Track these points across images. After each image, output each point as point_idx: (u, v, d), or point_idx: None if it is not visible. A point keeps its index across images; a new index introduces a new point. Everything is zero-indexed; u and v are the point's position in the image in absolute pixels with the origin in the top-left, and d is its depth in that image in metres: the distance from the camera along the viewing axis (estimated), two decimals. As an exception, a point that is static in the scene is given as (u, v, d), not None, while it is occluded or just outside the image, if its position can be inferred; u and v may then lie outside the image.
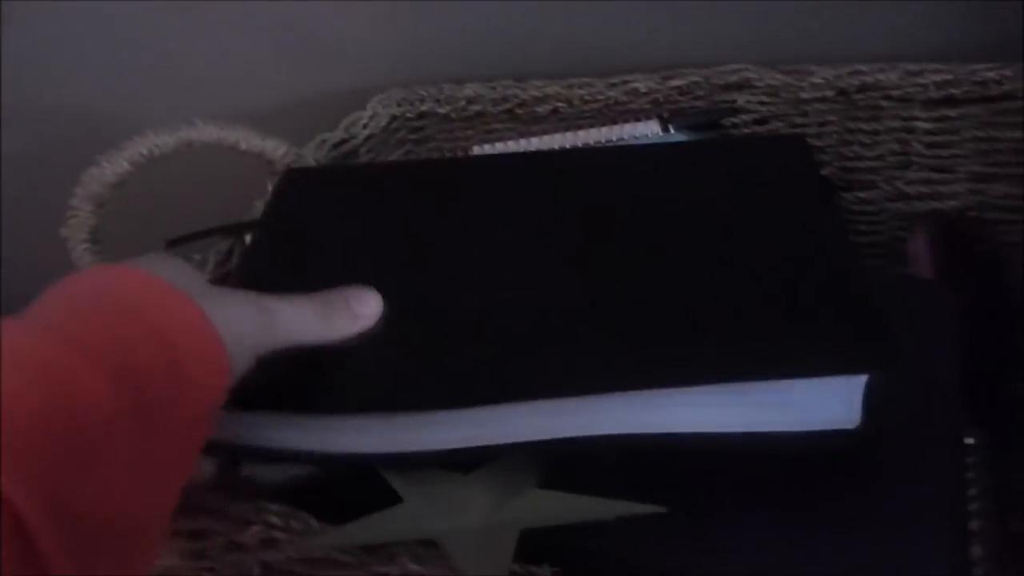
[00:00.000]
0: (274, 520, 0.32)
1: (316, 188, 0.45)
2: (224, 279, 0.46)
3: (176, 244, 0.47)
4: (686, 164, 0.43)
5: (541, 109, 0.55)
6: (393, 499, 0.31)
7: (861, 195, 0.52)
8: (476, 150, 0.54)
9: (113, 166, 0.48)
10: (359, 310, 0.33)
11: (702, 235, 0.37)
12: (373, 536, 0.30)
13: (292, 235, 0.41)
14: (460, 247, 0.39)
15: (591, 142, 0.52)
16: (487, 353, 0.33)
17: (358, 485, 0.33)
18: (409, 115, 0.58)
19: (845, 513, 0.32)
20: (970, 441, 0.38)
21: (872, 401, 0.31)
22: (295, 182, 0.45)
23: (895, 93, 0.48)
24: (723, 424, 0.31)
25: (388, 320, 0.33)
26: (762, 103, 0.51)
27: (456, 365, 0.33)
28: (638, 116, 0.53)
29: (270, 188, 0.49)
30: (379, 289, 0.34)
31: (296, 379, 0.33)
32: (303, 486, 0.34)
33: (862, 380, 0.31)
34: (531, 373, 0.32)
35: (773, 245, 0.36)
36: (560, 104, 0.55)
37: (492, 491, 0.31)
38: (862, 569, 0.31)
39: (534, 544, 0.28)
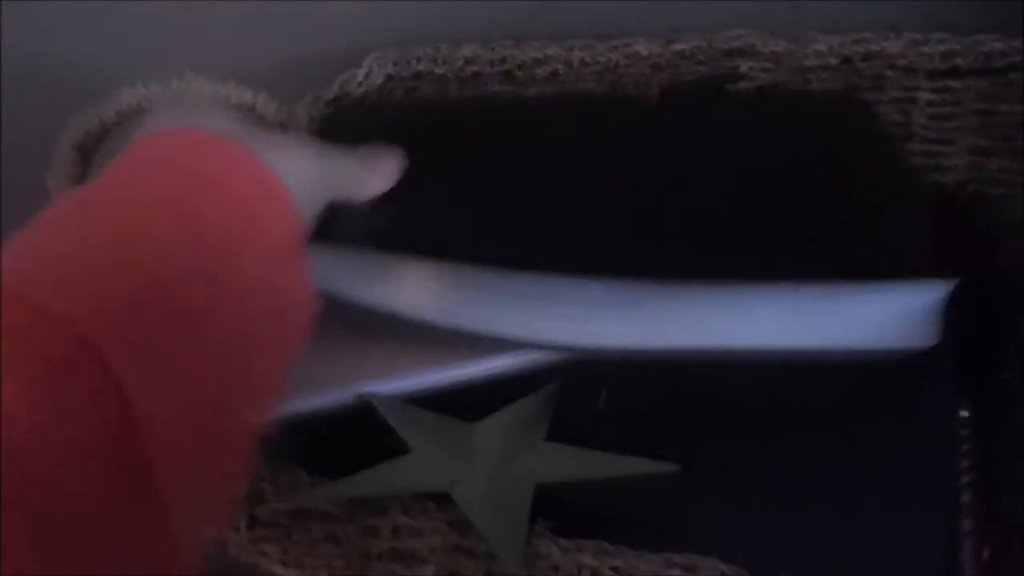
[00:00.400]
0: (262, 473, 0.31)
1: (360, 121, 0.43)
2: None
3: None
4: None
5: (540, 71, 0.54)
6: (399, 451, 0.31)
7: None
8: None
9: (100, 114, 0.47)
10: (389, 167, 0.35)
11: (778, 167, 0.37)
12: (380, 488, 0.29)
13: None
14: (531, 175, 0.38)
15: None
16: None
17: (361, 437, 0.32)
18: (404, 75, 0.57)
19: (844, 485, 0.32)
20: (964, 414, 0.38)
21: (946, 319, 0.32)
22: (336, 118, 0.43)
23: (900, 63, 0.47)
24: (802, 337, 0.31)
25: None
26: (764, 70, 0.50)
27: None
28: (637, 81, 0.52)
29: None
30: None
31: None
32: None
33: (942, 289, 0.31)
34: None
35: (848, 174, 0.36)
36: (559, 66, 0.54)
37: (501, 442, 0.30)
38: (859, 541, 0.31)
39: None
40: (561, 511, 0.27)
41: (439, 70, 0.57)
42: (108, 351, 0.20)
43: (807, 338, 0.31)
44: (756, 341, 0.31)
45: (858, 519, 0.31)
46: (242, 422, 0.24)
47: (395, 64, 0.57)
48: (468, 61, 0.56)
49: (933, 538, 0.32)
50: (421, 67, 0.57)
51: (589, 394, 0.31)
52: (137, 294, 0.22)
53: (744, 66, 0.50)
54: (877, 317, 0.32)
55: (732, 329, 0.31)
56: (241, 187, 0.27)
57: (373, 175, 0.34)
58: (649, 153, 0.38)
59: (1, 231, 0.25)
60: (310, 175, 0.30)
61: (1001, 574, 0.34)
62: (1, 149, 0.63)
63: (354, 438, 0.31)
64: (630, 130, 0.40)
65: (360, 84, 0.56)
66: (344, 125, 0.43)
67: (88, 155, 0.46)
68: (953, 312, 0.33)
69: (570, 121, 0.41)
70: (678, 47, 0.51)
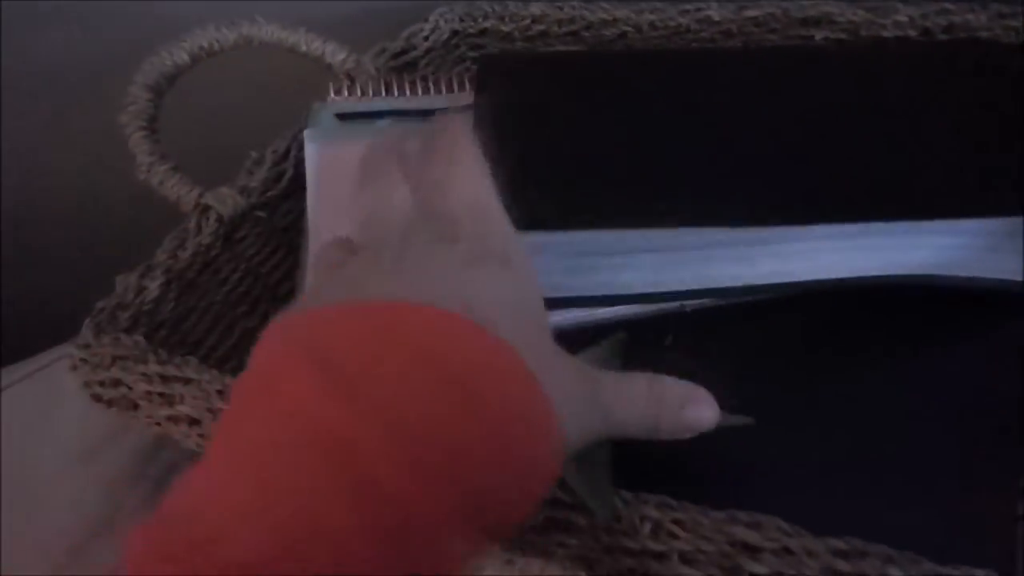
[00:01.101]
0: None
1: (517, 75, 0.43)
2: (279, 178, 0.46)
3: (347, 118, 0.46)
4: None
5: (608, 33, 0.53)
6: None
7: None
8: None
9: (173, 56, 0.47)
10: (691, 419, 0.26)
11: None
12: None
13: (506, 121, 0.39)
14: (672, 128, 0.37)
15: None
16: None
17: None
18: (471, 31, 0.57)
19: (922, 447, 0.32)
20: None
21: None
22: (495, 69, 0.44)
23: (983, 35, 0.46)
24: (908, 266, 0.33)
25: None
26: (840, 42, 0.49)
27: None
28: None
29: (332, 92, 0.48)
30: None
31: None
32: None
33: None
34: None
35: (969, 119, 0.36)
36: (628, 29, 0.53)
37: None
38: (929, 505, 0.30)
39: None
40: (624, 463, 0.27)
41: (505, 28, 0.56)
42: None
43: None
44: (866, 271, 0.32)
45: (933, 485, 0.30)
46: None
47: (461, 20, 0.57)
48: (535, 20, 0.55)
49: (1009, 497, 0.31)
50: (487, 24, 0.57)
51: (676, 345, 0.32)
52: None
53: (819, 35, 0.49)
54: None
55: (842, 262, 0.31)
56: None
57: (662, 421, 0.26)
58: (770, 102, 0.38)
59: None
60: (587, 420, 0.24)
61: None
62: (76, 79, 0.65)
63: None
64: (743, 80, 0.39)
65: (426, 38, 0.56)
66: (492, 77, 0.43)
67: (160, 96, 0.47)
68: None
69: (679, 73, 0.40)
70: (751, 13, 0.50)
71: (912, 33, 0.47)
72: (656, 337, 0.35)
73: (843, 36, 0.49)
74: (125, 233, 0.49)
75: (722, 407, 0.27)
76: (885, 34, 0.48)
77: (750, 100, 0.37)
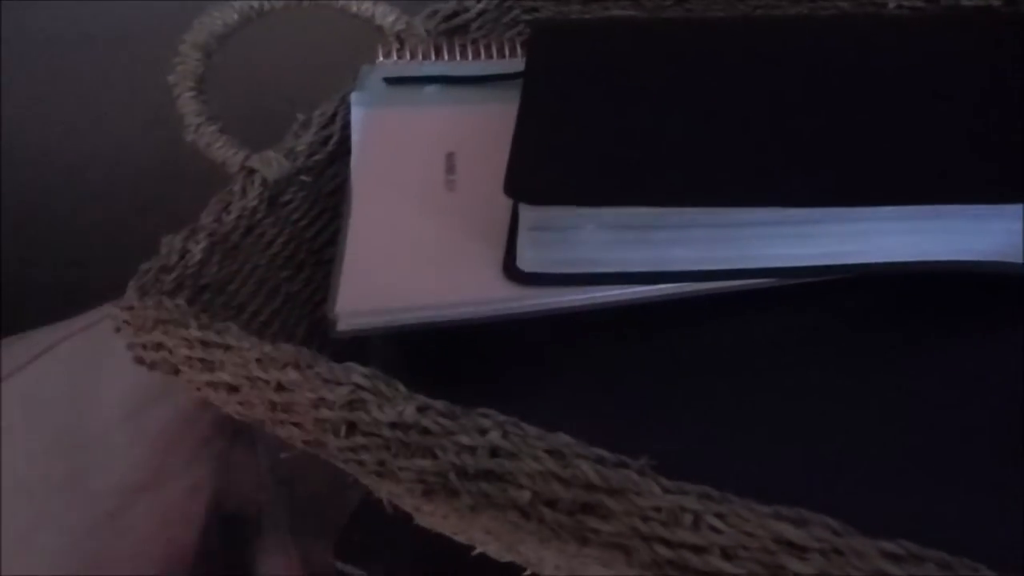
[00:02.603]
0: (362, 381, 0.31)
1: (571, 43, 0.42)
2: (325, 142, 0.45)
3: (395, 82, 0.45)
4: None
5: (667, -2, 0.51)
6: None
7: None
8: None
9: (223, 16, 0.47)
10: None
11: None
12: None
13: (560, 91, 0.39)
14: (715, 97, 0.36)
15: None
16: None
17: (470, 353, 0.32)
18: (525, -7, 0.56)
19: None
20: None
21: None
22: (546, 36, 0.43)
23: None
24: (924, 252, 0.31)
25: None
26: (915, 8, 0.46)
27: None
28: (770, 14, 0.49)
29: (380, 55, 0.47)
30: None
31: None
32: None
33: None
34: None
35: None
36: (687, -7, 0.51)
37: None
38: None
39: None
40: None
41: (561, -10, 0.55)
42: None
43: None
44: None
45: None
46: None
47: (516, -18, 0.55)
48: (592, -17, 0.54)
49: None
50: (542, -13, 0.55)
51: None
52: None
53: (892, 3, 0.47)
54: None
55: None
56: None
57: None
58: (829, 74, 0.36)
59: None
60: None
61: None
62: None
63: (457, 355, 0.31)
64: (807, 52, 0.37)
65: (479, 0, 0.54)
66: (544, 45, 0.41)
67: (209, 56, 0.46)
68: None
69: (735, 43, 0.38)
70: (819, -22, 0.48)
71: (995, 2, 0.44)
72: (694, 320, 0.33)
73: (919, 4, 0.46)
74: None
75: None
76: (965, 1, 0.45)
77: (814, 74, 0.35)
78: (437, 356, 0.37)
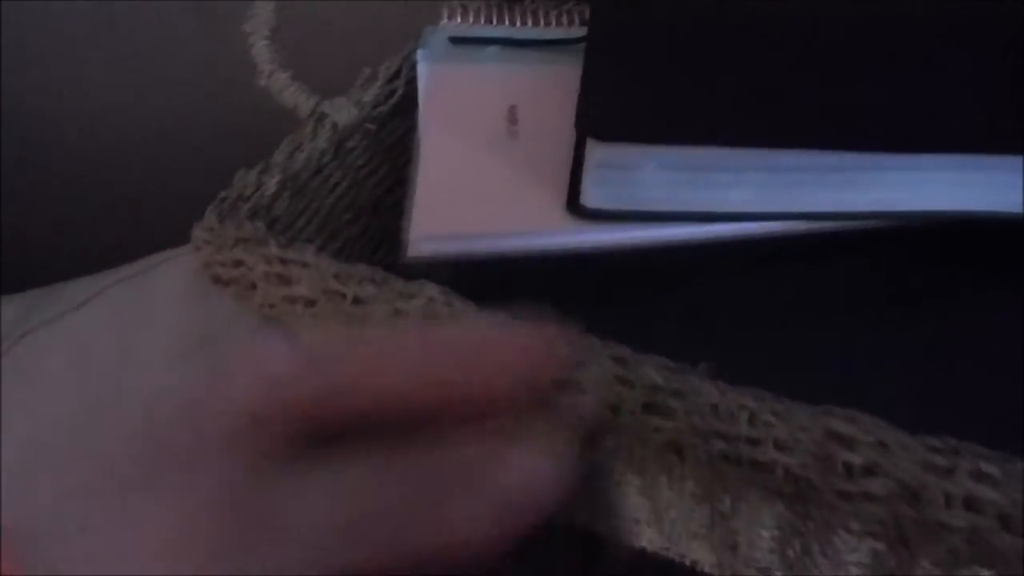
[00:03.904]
0: (436, 295, 0.33)
1: (634, 14, 0.42)
2: (390, 95, 0.48)
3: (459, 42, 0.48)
4: None
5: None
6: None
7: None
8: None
9: (298, -27, 0.49)
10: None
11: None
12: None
13: (627, 34, 0.40)
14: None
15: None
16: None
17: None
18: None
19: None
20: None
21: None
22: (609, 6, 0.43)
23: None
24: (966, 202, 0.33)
25: None
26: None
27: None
28: None
29: (445, 17, 0.50)
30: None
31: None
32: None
33: None
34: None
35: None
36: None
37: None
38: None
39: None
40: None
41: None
42: None
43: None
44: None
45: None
46: None
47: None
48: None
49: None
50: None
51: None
52: None
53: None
54: None
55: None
56: None
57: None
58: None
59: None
60: None
61: None
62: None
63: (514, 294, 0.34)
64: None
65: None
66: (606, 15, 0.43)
67: (282, 7, 0.49)
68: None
69: None
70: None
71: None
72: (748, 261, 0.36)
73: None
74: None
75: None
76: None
77: (869, 22, 0.37)
78: (495, 294, 0.39)
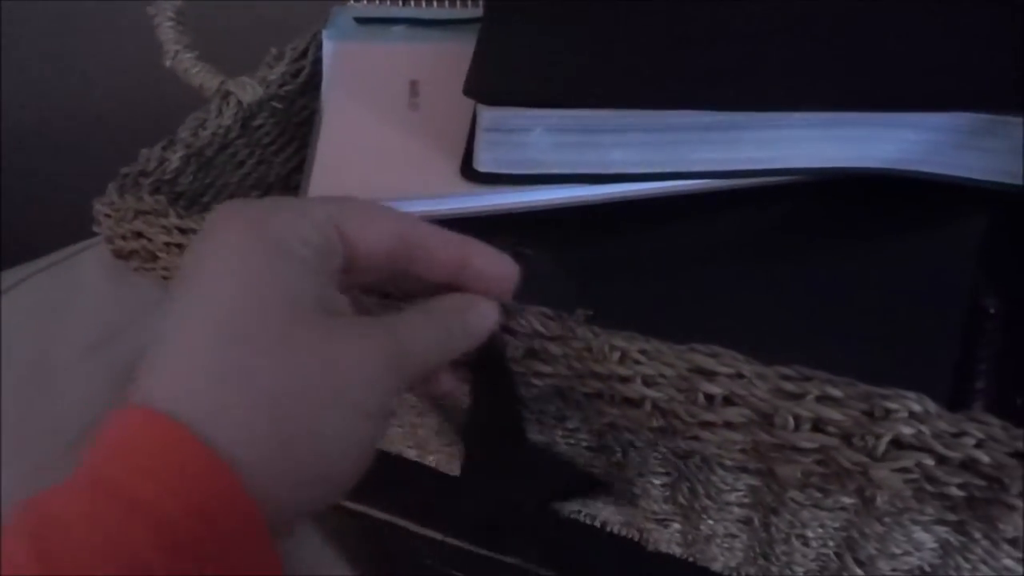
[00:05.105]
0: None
1: None
2: (297, 74, 0.48)
3: (364, 22, 0.49)
4: None
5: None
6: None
7: None
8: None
9: (203, -45, 0.50)
10: (474, 325, 0.28)
11: None
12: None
13: (519, 9, 0.41)
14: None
15: None
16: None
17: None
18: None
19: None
20: (991, 309, 0.39)
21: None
22: None
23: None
24: (924, 162, 0.35)
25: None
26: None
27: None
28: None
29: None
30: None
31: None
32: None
33: None
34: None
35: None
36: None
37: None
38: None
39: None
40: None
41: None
42: None
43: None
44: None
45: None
46: None
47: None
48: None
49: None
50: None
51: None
52: None
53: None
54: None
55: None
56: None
57: (453, 341, 0.28)
58: None
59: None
60: (379, 370, 0.25)
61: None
62: None
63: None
64: None
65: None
66: None
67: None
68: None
69: None
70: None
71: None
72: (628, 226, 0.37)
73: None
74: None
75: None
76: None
77: None
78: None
